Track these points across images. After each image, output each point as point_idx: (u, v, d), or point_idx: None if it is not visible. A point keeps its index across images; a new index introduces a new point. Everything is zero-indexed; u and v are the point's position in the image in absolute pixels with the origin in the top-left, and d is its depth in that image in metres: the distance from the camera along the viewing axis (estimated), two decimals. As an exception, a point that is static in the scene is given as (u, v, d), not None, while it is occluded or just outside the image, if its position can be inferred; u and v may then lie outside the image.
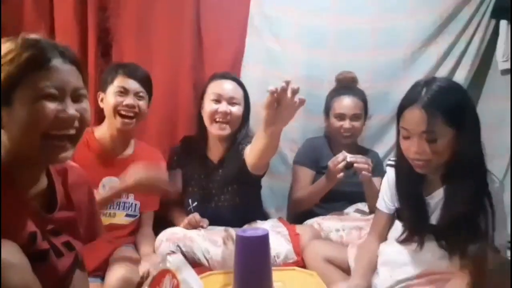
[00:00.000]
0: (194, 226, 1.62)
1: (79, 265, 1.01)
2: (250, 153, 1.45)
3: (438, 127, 1.14)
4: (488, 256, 1.15)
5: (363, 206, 1.90)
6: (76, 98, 0.86)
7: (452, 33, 2.11)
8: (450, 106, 1.15)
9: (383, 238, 1.39)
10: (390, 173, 1.38)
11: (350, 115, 1.91)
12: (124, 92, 1.57)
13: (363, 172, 1.70)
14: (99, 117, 1.74)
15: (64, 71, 0.83)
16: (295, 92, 1.11)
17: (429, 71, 2.12)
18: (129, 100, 1.56)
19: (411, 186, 1.29)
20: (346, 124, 1.91)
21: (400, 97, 1.26)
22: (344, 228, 1.66)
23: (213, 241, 1.55)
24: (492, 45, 2.11)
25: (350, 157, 1.71)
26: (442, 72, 2.13)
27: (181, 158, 1.82)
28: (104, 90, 1.61)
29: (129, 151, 1.67)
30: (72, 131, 0.85)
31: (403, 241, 1.30)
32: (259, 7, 2.08)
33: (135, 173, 1.37)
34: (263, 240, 1.09)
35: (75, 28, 1.86)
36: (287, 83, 1.10)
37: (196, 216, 1.64)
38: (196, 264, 1.47)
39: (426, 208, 1.27)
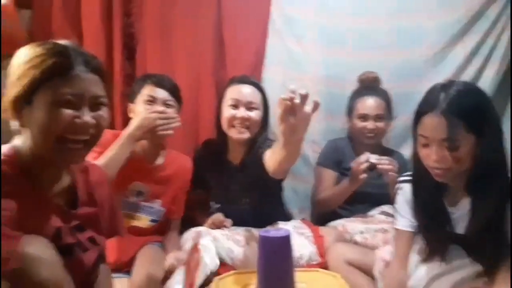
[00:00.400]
0: (218, 226, 1.63)
1: (103, 259, 1.04)
2: (270, 161, 1.40)
3: (459, 134, 1.09)
4: None
5: (388, 208, 1.86)
6: (95, 105, 0.90)
7: (479, 32, 2.06)
8: (471, 111, 1.10)
9: (407, 259, 1.32)
10: (406, 189, 1.32)
11: (373, 115, 1.89)
12: (152, 100, 1.57)
13: (390, 173, 1.67)
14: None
15: (85, 80, 0.87)
16: (304, 98, 1.05)
17: (456, 71, 2.08)
18: (159, 108, 1.55)
19: (432, 197, 1.23)
20: (370, 124, 1.89)
21: None
22: (369, 230, 1.64)
23: (236, 241, 1.55)
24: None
25: (373, 158, 1.68)
26: (469, 72, 2.09)
27: (202, 161, 1.82)
28: (132, 100, 1.63)
29: (160, 160, 1.68)
30: (87, 137, 0.88)
31: (427, 259, 1.24)
32: (280, 9, 2.09)
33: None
34: (285, 241, 1.09)
35: (102, 34, 1.92)
36: (294, 92, 1.05)
37: (219, 216, 1.65)
38: (220, 263, 1.48)
39: (450, 220, 1.22)
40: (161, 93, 1.59)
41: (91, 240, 0.98)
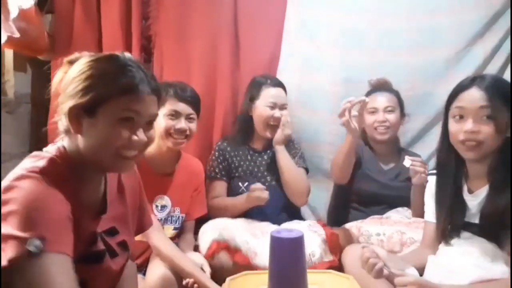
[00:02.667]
0: (257, 195, 1.68)
1: (130, 257, 1.07)
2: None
3: (496, 105, 1.13)
4: None
5: (404, 211, 1.85)
6: (149, 124, 0.95)
7: (500, 30, 2.01)
8: (506, 92, 1.15)
9: (435, 250, 1.34)
10: (432, 182, 1.35)
11: (382, 107, 1.88)
12: (175, 115, 1.58)
13: (421, 175, 1.63)
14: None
15: (147, 101, 0.92)
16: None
17: (475, 70, 2.03)
18: (181, 124, 1.57)
19: (451, 183, 1.26)
20: (380, 116, 1.87)
21: (444, 97, 1.25)
22: (385, 232, 1.62)
23: (253, 234, 1.62)
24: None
25: (407, 159, 1.67)
26: (490, 71, 2.03)
27: (226, 152, 1.91)
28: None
29: (174, 168, 1.69)
30: (137, 152, 0.94)
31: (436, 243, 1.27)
32: (296, 11, 2.08)
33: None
34: (297, 242, 1.09)
35: (120, 37, 1.96)
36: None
37: (258, 184, 1.71)
38: (236, 251, 1.54)
39: (465, 209, 1.23)
40: (184, 108, 1.59)
41: (121, 245, 0.99)
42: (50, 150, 0.91)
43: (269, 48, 2.07)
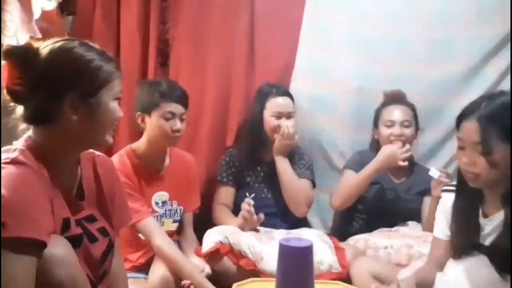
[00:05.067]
0: (250, 220, 1.67)
1: (116, 251, 1.07)
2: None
3: (492, 140, 1.11)
4: None
5: (414, 225, 1.84)
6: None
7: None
8: (507, 122, 1.12)
9: (442, 267, 1.31)
10: (446, 198, 1.33)
11: (399, 121, 1.87)
12: (171, 117, 1.62)
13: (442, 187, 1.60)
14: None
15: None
16: None
17: (489, 87, 2.01)
18: (177, 124, 1.62)
19: (468, 205, 1.25)
20: (396, 130, 1.86)
21: (456, 112, 1.23)
22: (393, 245, 1.62)
23: (259, 238, 1.63)
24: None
25: (436, 170, 1.68)
26: (504, 88, 1.97)
27: (235, 159, 1.93)
28: (147, 112, 1.62)
29: (166, 162, 1.73)
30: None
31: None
32: (312, 20, 2.08)
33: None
34: (306, 251, 1.09)
35: (138, 40, 1.99)
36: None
37: (250, 209, 1.68)
38: (241, 256, 1.55)
39: (479, 230, 1.22)
40: (178, 109, 1.64)
41: (101, 231, 1.01)
42: (18, 143, 0.94)
43: (284, 56, 2.08)
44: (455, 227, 1.27)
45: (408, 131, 1.87)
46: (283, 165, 1.85)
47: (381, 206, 1.85)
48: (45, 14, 1.72)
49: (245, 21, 2.03)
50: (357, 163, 1.92)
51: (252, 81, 2.04)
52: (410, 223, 1.85)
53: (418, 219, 1.84)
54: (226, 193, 1.89)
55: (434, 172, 1.68)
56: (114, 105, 0.99)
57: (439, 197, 1.56)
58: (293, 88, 2.06)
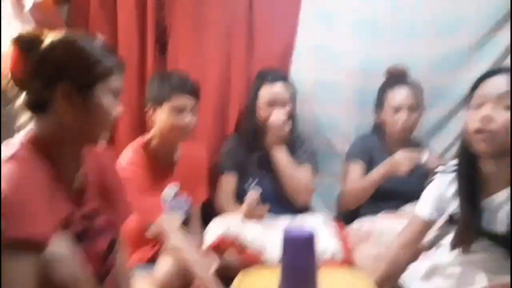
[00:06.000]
0: (255, 210, 1.67)
1: (120, 246, 1.07)
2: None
3: None
4: None
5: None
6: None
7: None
8: None
9: (413, 248, 1.31)
10: (440, 180, 1.29)
11: (407, 106, 1.82)
12: (182, 110, 1.59)
13: None
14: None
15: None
16: None
17: (496, 60, 1.97)
18: (188, 117, 1.59)
19: (470, 183, 1.19)
20: (404, 115, 1.81)
21: (465, 88, 1.22)
22: (398, 228, 1.60)
23: (262, 228, 1.63)
24: None
25: (425, 158, 1.66)
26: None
27: (237, 147, 1.91)
28: (159, 103, 1.61)
29: (176, 155, 1.72)
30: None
31: (453, 246, 1.22)
32: (312, 0, 2.03)
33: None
34: (309, 240, 1.09)
35: (136, 29, 1.95)
36: None
37: (253, 197, 1.68)
38: (244, 248, 1.55)
39: (479, 211, 1.17)
40: (189, 101, 1.61)
41: (105, 225, 1.01)
42: (19, 136, 0.93)
43: (284, 38, 2.02)
44: (464, 213, 1.19)
45: (415, 116, 1.83)
46: (279, 155, 1.82)
47: (386, 188, 1.83)
48: (38, 5, 1.69)
49: (243, 4, 1.98)
50: (361, 151, 1.89)
51: (252, 66, 2.01)
52: (415, 203, 1.83)
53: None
54: (228, 181, 1.88)
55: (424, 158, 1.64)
56: (110, 100, 0.97)
57: None
58: (294, 71, 2.02)
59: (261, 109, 1.84)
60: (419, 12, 2.02)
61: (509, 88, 1.06)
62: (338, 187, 2.01)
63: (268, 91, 1.82)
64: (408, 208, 1.79)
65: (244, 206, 1.69)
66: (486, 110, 1.08)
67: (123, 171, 1.38)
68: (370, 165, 1.88)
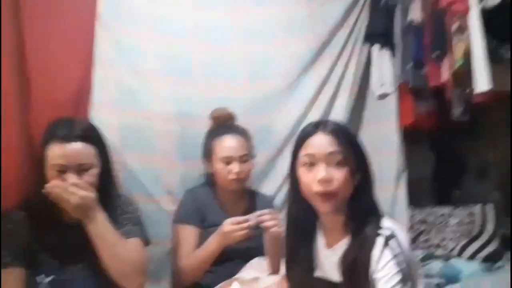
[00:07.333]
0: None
1: None
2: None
3: (345, 150, 1.08)
4: None
5: (258, 261, 1.59)
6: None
7: (329, 59, 2.05)
8: (352, 137, 1.15)
9: None
10: None
11: (237, 157, 1.65)
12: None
13: (273, 229, 1.44)
14: None
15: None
16: None
17: (310, 99, 2.04)
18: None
19: (303, 237, 1.18)
20: (236, 167, 1.64)
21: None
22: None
23: None
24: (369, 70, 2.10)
25: (253, 219, 1.46)
26: (322, 100, 2.06)
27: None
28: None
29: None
30: None
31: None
32: (108, 34, 1.70)
33: None
34: None
35: None
36: None
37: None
38: None
39: (313, 264, 1.17)
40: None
41: None
42: None
43: (75, 80, 1.54)
44: (291, 262, 1.19)
45: (247, 166, 1.69)
46: (96, 229, 1.27)
47: (228, 253, 1.57)
48: None
49: (10, 37, 1.37)
50: (192, 212, 1.65)
51: (29, 116, 1.41)
52: (255, 260, 1.60)
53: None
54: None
55: (253, 220, 1.49)
56: None
57: (274, 238, 1.46)
58: (95, 119, 1.57)
59: (50, 176, 1.27)
60: (233, 52, 1.96)
61: (338, 147, 1.08)
62: (165, 253, 1.73)
63: (57, 152, 1.26)
64: (245, 269, 1.59)
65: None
66: (321, 171, 1.07)
67: None
68: (203, 223, 1.65)
